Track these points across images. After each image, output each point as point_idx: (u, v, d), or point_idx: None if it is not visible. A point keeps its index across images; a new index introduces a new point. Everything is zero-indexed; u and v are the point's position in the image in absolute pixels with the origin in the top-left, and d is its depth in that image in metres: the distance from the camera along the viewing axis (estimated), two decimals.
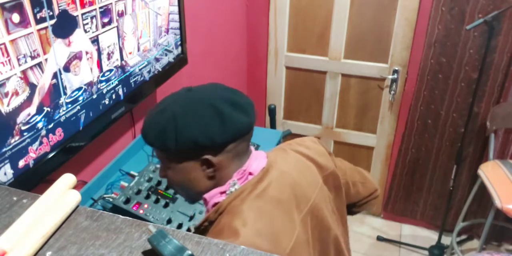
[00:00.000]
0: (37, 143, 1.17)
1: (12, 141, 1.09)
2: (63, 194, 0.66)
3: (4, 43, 1.01)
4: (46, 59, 1.14)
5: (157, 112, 0.95)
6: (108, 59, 1.40)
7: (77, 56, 1.26)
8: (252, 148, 1.02)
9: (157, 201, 1.47)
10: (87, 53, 1.29)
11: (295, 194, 0.99)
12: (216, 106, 0.91)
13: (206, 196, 0.98)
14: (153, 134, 0.94)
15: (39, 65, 1.13)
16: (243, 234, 0.85)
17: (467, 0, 2.22)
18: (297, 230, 0.94)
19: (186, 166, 0.96)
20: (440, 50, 2.38)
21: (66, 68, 1.23)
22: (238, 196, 0.93)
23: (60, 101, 1.23)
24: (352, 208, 1.27)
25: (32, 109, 1.13)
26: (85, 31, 1.27)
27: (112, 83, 1.44)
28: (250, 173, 0.97)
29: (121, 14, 1.41)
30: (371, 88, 2.68)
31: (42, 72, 1.14)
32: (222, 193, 0.96)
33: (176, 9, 1.73)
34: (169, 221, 1.43)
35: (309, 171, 1.08)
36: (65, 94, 1.24)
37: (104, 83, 1.40)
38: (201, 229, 0.96)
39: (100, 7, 1.31)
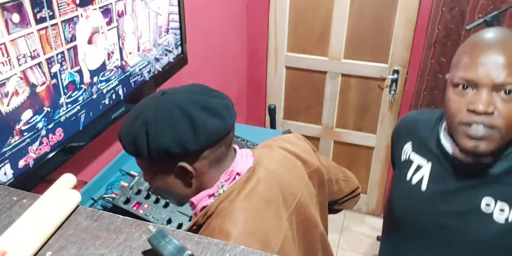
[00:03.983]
0: (37, 143, 1.17)
1: (12, 141, 1.09)
2: (63, 194, 0.66)
3: (4, 43, 1.02)
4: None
5: (131, 118, 0.93)
6: (108, 59, 1.40)
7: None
8: (236, 147, 1.00)
9: (157, 201, 1.47)
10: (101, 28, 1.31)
11: (282, 191, 0.98)
12: (187, 112, 0.87)
13: (193, 199, 0.96)
14: (127, 141, 0.91)
15: (39, 65, 1.13)
16: (234, 236, 0.84)
17: (467, 0, 2.22)
18: (284, 228, 0.94)
19: (162, 173, 0.94)
20: (440, 50, 2.38)
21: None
22: (227, 198, 0.92)
23: (60, 101, 1.23)
24: (334, 205, 1.27)
25: (32, 109, 1.13)
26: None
27: (112, 83, 1.44)
28: (238, 174, 0.95)
29: (121, 14, 1.41)
30: (371, 88, 2.67)
31: (43, 72, 1.14)
32: (210, 196, 0.94)
33: (176, 9, 1.73)
34: (169, 221, 1.43)
35: (295, 167, 1.07)
36: (65, 94, 1.24)
37: (104, 83, 1.40)
38: None
39: (100, 7, 1.31)
